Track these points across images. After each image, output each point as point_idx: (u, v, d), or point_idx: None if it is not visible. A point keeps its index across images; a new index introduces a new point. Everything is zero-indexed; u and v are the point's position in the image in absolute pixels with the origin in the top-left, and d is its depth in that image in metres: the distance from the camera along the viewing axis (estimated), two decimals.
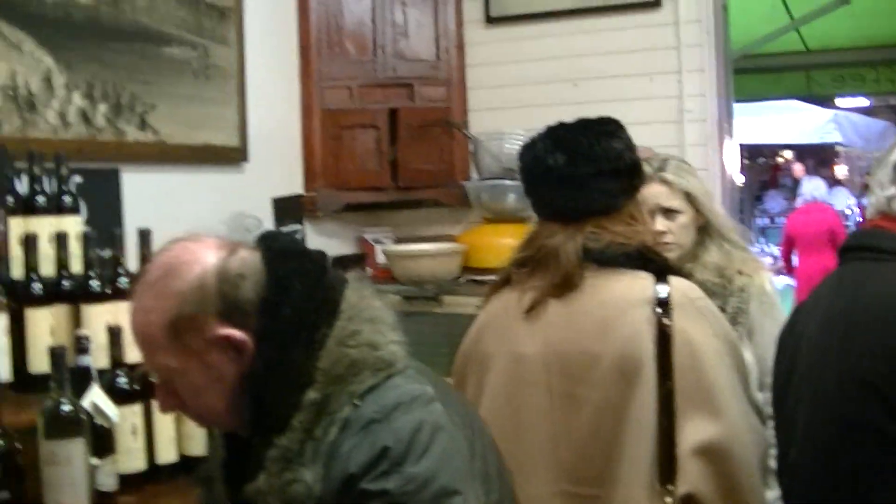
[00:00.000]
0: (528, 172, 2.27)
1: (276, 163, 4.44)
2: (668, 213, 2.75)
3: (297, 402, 1.62)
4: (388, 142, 4.71)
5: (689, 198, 2.76)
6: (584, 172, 2.14)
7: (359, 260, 4.70)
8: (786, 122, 13.25)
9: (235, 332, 1.64)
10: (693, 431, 1.98)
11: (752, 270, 2.80)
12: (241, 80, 4.17)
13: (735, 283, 2.75)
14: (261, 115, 4.29)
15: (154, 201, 3.52)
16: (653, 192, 2.67)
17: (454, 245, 4.49)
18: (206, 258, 1.66)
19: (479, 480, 1.68)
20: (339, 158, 4.64)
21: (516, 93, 4.81)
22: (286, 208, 4.28)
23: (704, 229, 2.80)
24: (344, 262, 4.54)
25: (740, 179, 6.97)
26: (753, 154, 16.28)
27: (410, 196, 4.84)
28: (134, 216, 3.24)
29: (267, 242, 1.74)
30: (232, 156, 4.16)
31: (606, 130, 2.19)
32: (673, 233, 2.74)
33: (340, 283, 1.74)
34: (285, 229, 4.16)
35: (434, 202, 4.86)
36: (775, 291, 2.88)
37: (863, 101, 15.21)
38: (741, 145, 7.18)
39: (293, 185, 4.53)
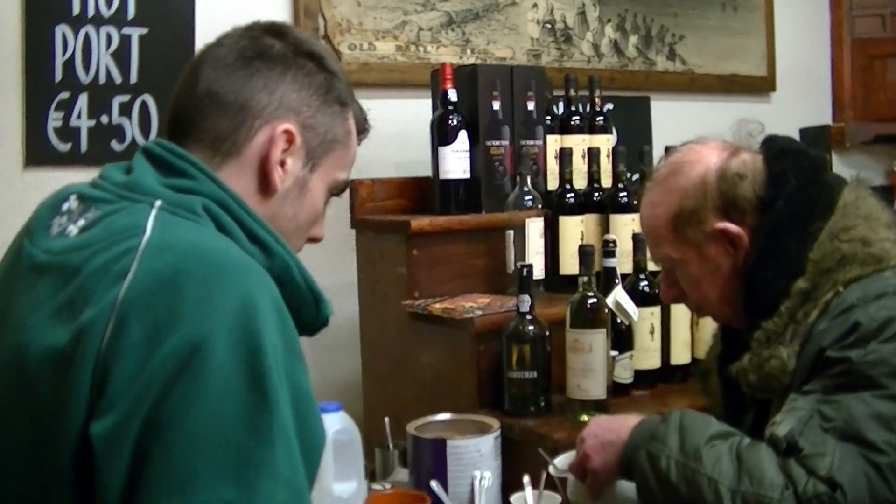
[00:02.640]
0: None
1: (803, 93, 4.44)
2: None
3: (786, 290, 1.71)
4: None
5: None
6: None
7: (887, 192, 4.56)
8: None
9: (732, 226, 1.77)
10: None
11: None
12: (768, 11, 4.23)
13: None
14: (787, 45, 4.32)
15: (681, 128, 3.64)
16: None
17: None
18: (710, 159, 1.82)
19: None
20: (870, 89, 4.55)
21: None
22: (814, 139, 4.25)
23: None
24: None
25: None
26: None
27: None
28: (661, 141, 3.40)
29: (768, 145, 1.86)
30: (759, 86, 4.24)
31: None
32: None
33: (838, 182, 1.81)
34: None
35: None
36: None
37: None
38: None
39: (821, 115, 4.50)
